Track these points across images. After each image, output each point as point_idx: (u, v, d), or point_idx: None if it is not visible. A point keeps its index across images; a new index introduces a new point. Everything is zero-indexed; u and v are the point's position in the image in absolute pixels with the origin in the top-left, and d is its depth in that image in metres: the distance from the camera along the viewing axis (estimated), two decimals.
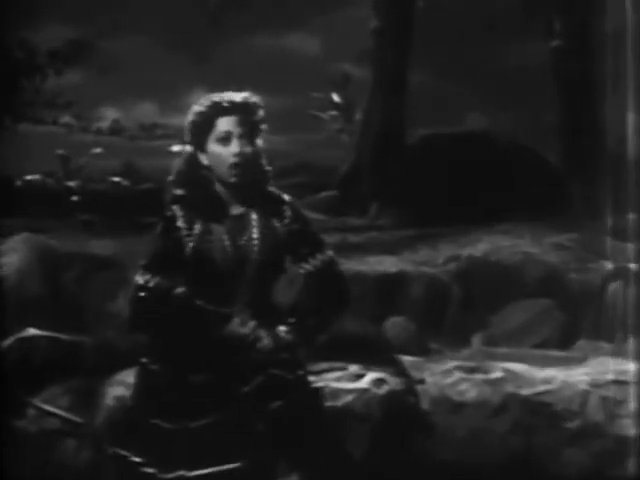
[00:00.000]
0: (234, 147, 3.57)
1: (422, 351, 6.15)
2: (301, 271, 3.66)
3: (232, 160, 3.56)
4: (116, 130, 10.06)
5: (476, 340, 6.76)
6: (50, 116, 9.80)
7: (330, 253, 3.70)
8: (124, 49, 10.30)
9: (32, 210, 8.36)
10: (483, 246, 7.44)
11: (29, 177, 9.31)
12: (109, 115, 10.31)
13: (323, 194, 10.02)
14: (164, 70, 10.18)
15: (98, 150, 9.71)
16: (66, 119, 9.91)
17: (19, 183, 9.19)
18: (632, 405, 5.34)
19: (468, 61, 10.64)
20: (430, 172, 9.37)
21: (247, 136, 3.61)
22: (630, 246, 7.23)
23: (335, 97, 11.05)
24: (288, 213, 3.67)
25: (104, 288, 6.38)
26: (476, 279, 7.12)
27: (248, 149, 3.59)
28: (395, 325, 6.54)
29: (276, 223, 3.66)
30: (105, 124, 10.09)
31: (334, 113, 11.08)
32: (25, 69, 9.78)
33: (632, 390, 5.39)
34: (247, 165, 3.57)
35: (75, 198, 9.16)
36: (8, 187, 8.77)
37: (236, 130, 3.59)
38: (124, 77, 9.98)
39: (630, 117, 8.03)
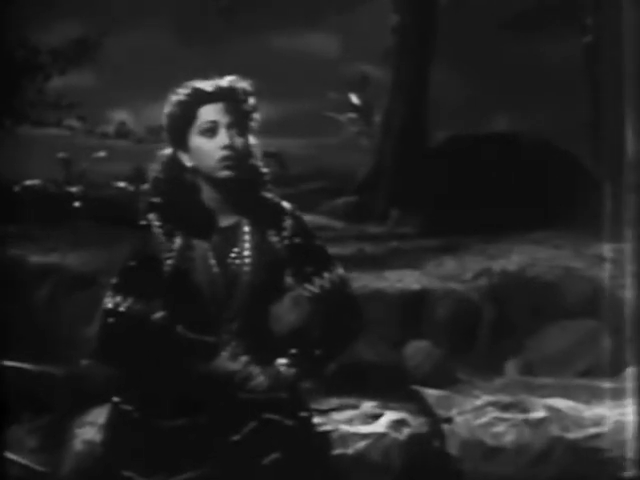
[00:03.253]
0: (222, 139, 3.09)
1: (449, 381, 5.78)
2: (305, 293, 3.19)
3: (220, 154, 3.08)
4: (122, 133, 9.77)
5: (510, 367, 6.40)
6: (53, 118, 9.49)
7: (340, 271, 3.20)
8: (131, 49, 10.19)
9: (31, 217, 8.08)
10: (516, 258, 7.08)
11: (28, 182, 8.99)
12: (116, 117, 10.01)
13: (341, 200, 9.89)
14: (173, 71, 9.90)
15: (102, 154, 9.50)
16: (70, 121, 9.57)
17: (17, 189, 8.81)
18: None
19: (493, 60, 10.48)
20: (455, 176, 9.08)
21: (237, 127, 3.12)
22: None
23: (354, 98, 10.92)
24: (288, 224, 3.18)
25: (79, 309, 5.95)
26: (510, 297, 6.74)
27: (239, 141, 3.11)
28: (417, 351, 6.15)
29: (273, 237, 3.18)
30: (111, 127, 9.74)
31: (353, 115, 10.98)
32: (27, 68, 9.44)
33: None
34: (240, 159, 3.10)
35: (77, 204, 8.85)
36: (6, 193, 8.42)
37: (223, 119, 3.10)
38: (131, 78, 9.85)
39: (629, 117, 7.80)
